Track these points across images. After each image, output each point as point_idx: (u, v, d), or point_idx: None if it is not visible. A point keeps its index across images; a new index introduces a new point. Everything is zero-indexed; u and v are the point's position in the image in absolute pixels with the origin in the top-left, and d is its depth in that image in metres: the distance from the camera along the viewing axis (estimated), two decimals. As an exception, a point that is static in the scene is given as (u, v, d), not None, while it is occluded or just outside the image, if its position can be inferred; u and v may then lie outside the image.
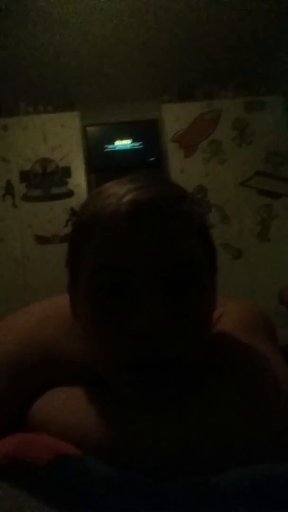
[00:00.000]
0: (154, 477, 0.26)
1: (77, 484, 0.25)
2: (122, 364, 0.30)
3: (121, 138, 2.51)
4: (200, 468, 0.27)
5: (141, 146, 2.52)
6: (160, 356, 0.30)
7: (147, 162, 2.50)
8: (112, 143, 2.50)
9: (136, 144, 2.52)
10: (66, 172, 2.31)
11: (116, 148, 2.51)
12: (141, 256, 0.30)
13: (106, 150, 2.49)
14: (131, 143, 2.52)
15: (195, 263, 0.32)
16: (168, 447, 0.28)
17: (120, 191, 0.31)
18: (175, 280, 0.30)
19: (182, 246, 0.31)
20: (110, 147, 2.50)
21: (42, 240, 2.22)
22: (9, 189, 2.27)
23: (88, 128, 2.49)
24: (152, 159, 2.50)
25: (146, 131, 2.55)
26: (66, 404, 0.33)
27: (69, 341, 0.37)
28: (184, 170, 2.34)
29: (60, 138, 2.34)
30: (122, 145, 2.51)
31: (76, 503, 0.25)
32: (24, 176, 2.29)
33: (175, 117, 2.42)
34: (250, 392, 0.31)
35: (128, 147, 2.52)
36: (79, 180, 2.31)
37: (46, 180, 2.29)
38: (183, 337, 0.30)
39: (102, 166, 2.43)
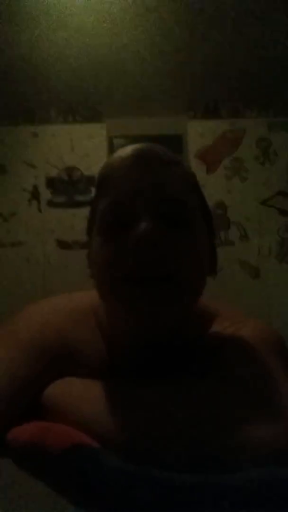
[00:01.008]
0: (169, 470, 0.26)
1: (91, 474, 0.26)
2: (121, 278, 0.34)
3: (146, 151, 2.57)
4: (214, 463, 0.27)
5: (164, 160, 2.57)
6: (153, 272, 0.33)
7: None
8: (137, 155, 2.56)
9: (160, 158, 2.58)
10: (91, 181, 2.38)
11: (140, 161, 2.57)
12: (142, 192, 0.35)
13: (130, 162, 2.56)
14: (155, 156, 2.57)
15: (187, 204, 0.37)
16: (183, 439, 0.28)
17: (127, 148, 0.39)
18: (169, 215, 0.35)
19: (176, 188, 0.37)
20: (134, 159, 2.56)
21: (63, 245, 2.28)
22: (35, 194, 2.35)
23: (115, 140, 2.57)
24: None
25: (170, 146, 2.54)
26: (82, 395, 0.34)
27: (81, 330, 0.41)
28: (205, 185, 2.37)
29: (87, 148, 2.42)
30: (146, 158, 2.57)
31: (89, 492, 0.25)
32: (50, 182, 2.37)
33: (199, 134, 2.47)
34: (254, 392, 0.32)
35: (152, 160, 2.57)
36: (102, 189, 2.38)
37: (71, 187, 2.37)
38: (174, 259, 0.34)
39: (125, 177, 2.50)
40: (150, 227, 0.33)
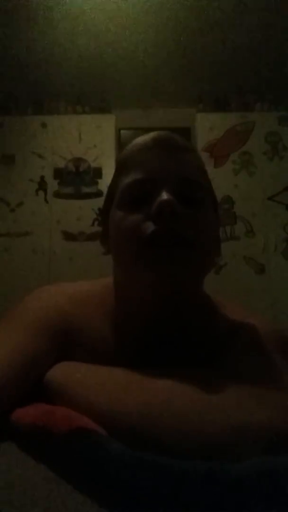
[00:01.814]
0: (174, 458, 0.26)
1: (94, 458, 0.25)
2: (142, 240, 0.36)
3: (154, 144, 2.56)
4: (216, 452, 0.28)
5: (172, 153, 2.56)
6: (173, 237, 0.36)
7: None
8: (145, 147, 2.56)
9: (168, 150, 2.57)
10: (98, 172, 2.38)
11: (148, 153, 2.56)
12: (162, 171, 0.39)
13: (138, 154, 2.55)
14: (163, 149, 2.57)
15: (201, 185, 0.40)
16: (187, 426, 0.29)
17: (148, 135, 0.42)
18: (186, 194, 0.39)
19: (192, 171, 0.40)
20: (142, 151, 2.56)
21: (68, 236, 2.30)
22: (42, 184, 2.36)
23: (122, 131, 2.56)
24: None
25: None
26: (86, 380, 0.34)
27: (88, 315, 0.42)
28: (213, 179, 2.34)
29: (94, 139, 2.41)
30: (154, 150, 2.56)
31: (92, 476, 0.25)
32: (58, 173, 2.38)
33: (208, 127, 2.44)
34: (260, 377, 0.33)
35: (160, 153, 2.57)
36: (109, 181, 2.37)
37: (78, 178, 2.37)
38: (191, 228, 0.37)
39: (132, 169, 2.49)
40: (171, 198, 0.36)
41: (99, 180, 2.38)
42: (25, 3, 1.93)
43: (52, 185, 2.36)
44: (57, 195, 2.35)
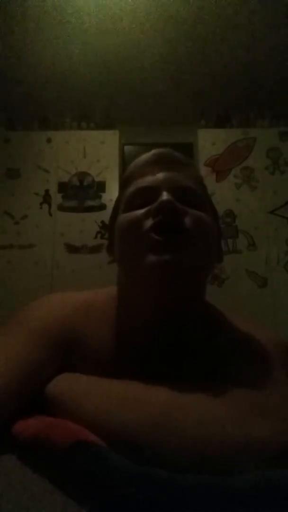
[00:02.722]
0: (174, 471, 0.26)
1: (95, 471, 0.25)
2: (143, 232, 0.38)
3: (156, 159, 2.62)
4: (217, 466, 0.28)
5: (174, 168, 2.61)
6: (173, 224, 0.38)
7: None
8: (147, 162, 2.61)
9: (170, 165, 2.62)
10: (102, 186, 2.42)
11: (151, 168, 2.61)
12: (162, 181, 0.42)
13: (141, 168, 2.60)
14: (165, 164, 2.62)
15: (198, 194, 0.43)
16: (187, 439, 0.29)
17: (149, 152, 0.46)
18: (184, 200, 0.41)
19: (190, 182, 0.43)
20: (145, 166, 2.61)
21: (72, 249, 2.31)
22: (46, 198, 2.40)
23: (126, 147, 2.61)
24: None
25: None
26: (87, 392, 0.34)
27: (91, 324, 0.42)
28: (215, 193, 2.39)
29: (99, 154, 2.46)
30: (157, 165, 2.62)
31: (93, 489, 0.25)
32: (62, 187, 2.42)
33: (210, 142, 2.49)
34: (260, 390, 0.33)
35: (162, 167, 2.62)
36: (113, 195, 2.41)
37: (81, 192, 2.41)
38: (190, 222, 0.39)
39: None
40: (171, 198, 0.39)
41: (103, 194, 2.41)
42: (31, 21, 2.02)
43: (56, 198, 2.40)
44: (61, 208, 2.38)
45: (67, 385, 0.36)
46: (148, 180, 0.42)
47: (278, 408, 0.32)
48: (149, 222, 0.39)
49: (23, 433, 0.30)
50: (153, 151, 0.46)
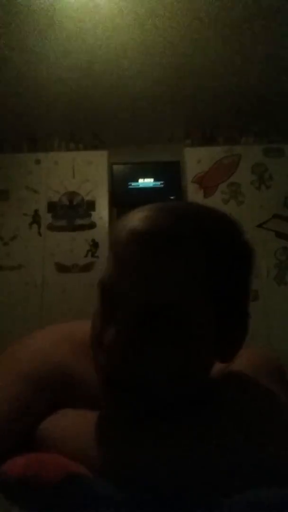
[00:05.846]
0: (159, 498, 0.27)
1: (85, 504, 0.26)
2: (102, 353, 0.33)
3: (144, 177, 2.66)
4: (198, 490, 0.28)
5: (162, 185, 2.66)
6: (126, 379, 0.32)
7: (167, 200, 2.61)
8: (136, 181, 2.66)
9: (158, 183, 2.67)
10: (91, 205, 2.44)
11: (139, 186, 2.65)
12: (126, 288, 0.32)
13: (129, 187, 2.64)
14: (153, 182, 2.67)
15: (181, 306, 0.31)
16: (167, 470, 0.29)
17: (132, 219, 0.34)
18: (154, 317, 0.31)
19: (168, 287, 0.31)
20: (133, 184, 2.65)
21: (62, 268, 2.30)
22: (36, 218, 2.40)
23: (114, 166, 2.65)
24: (172, 197, 2.62)
25: (168, 172, 2.69)
26: (77, 427, 0.34)
27: (81, 362, 0.40)
28: (203, 209, 2.42)
29: (87, 174, 2.49)
30: (145, 183, 2.66)
31: None
32: (52, 207, 2.43)
33: (196, 160, 2.55)
34: (250, 425, 0.33)
35: (150, 185, 2.66)
36: (102, 213, 2.43)
37: (71, 211, 2.42)
38: (143, 368, 0.32)
39: (125, 201, 2.55)
40: (114, 338, 0.31)
41: (93, 212, 2.43)
42: (18, 41, 2.07)
43: (46, 218, 2.40)
44: (51, 227, 2.39)
45: (56, 421, 0.36)
46: (112, 275, 0.33)
47: (267, 438, 0.32)
48: (106, 336, 0.32)
49: (11, 472, 0.29)
50: (133, 224, 0.33)
